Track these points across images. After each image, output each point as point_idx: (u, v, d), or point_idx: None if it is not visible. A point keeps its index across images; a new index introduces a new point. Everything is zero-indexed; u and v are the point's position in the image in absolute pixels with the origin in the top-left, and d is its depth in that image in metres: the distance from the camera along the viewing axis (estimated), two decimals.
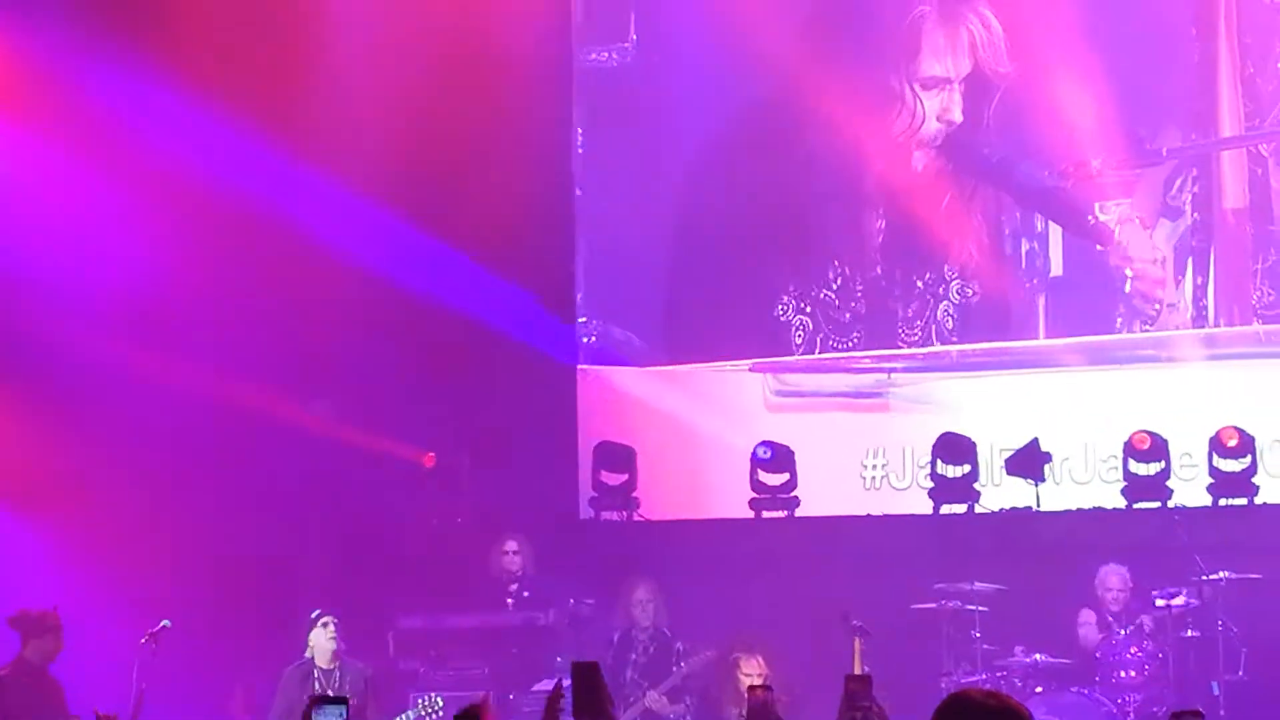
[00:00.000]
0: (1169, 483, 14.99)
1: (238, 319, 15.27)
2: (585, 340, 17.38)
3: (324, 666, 13.64)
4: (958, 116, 16.56)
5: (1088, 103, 15.55)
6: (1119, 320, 16.05)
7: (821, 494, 16.01)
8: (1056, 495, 15.50)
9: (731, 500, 16.22)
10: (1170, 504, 14.91)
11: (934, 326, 16.58)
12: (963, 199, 16.55)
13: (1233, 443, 14.84)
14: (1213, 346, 15.69)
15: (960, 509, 15.47)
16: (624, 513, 16.40)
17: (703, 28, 17.18)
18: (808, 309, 16.91)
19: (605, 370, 17.34)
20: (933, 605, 14.28)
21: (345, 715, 7.73)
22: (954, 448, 15.52)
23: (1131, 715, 13.65)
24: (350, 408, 16.02)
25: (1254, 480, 14.90)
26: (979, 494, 15.47)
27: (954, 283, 16.56)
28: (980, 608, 14.17)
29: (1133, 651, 13.94)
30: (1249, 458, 14.87)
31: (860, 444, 16.52)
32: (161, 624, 12.61)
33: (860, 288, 16.80)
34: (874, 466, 16.51)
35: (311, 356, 15.82)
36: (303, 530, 15.33)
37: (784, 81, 16.54)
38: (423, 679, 14.55)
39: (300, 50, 15.54)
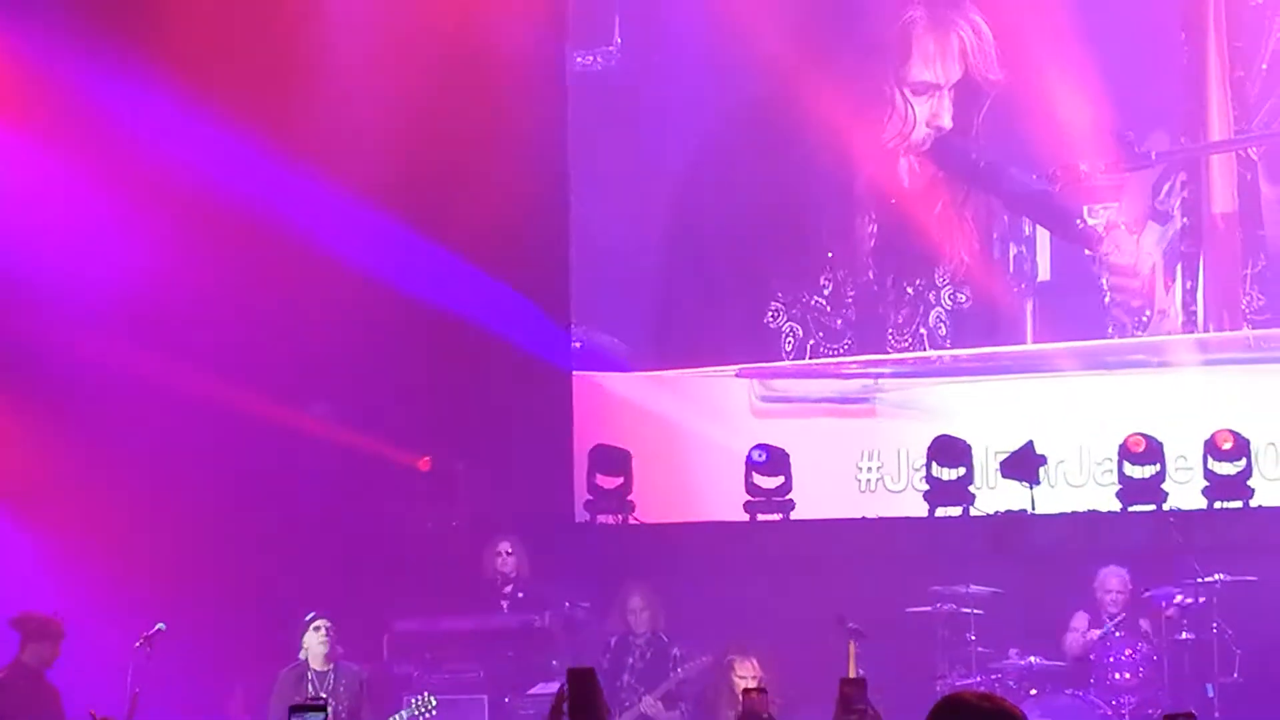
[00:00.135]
0: (1164, 486, 14.99)
1: (235, 322, 15.26)
2: (573, 345, 17.37)
3: (318, 669, 13.63)
4: (947, 122, 16.56)
5: (1077, 106, 15.55)
6: (1108, 325, 16.05)
7: (816, 497, 16.01)
8: (1051, 498, 15.50)
9: (722, 505, 16.22)
10: (1165, 507, 14.91)
11: (925, 333, 16.57)
12: (953, 204, 16.55)
13: (1228, 445, 14.85)
14: (1203, 352, 15.69)
15: (955, 512, 15.47)
16: (619, 516, 16.40)
17: (689, 31, 17.17)
18: (798, 315, 16.90)
19: (597, 374, 17.32)
20: (928, 608, 14.28)
21: (326, 718, 7.72)
22: (949, 450, 15.52)
23: (1126, 717, 13.66)
24: (347, 411, 16.02)
25: (1249, 483, 14.91)
26: (974, 497, 15.48)
27: (945, 289, 16.55)
28: (975, 610, 14.18)
29: (1127, 654, 13.94)
30: (1244, 460, 14.88)
31: (846, 450, 16.51)
32: (156, 627, 12.60)
33: (851, 294, 16.80)
34: (869, 469, 16.51)
35: (308, 359, 15.81)
36: (298, 533, 15.31)
37: (774, 85, 16.54)
38: (417, 682, 14.54)
39: (298, 54, 15.53)
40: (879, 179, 16.71)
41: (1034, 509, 15.27)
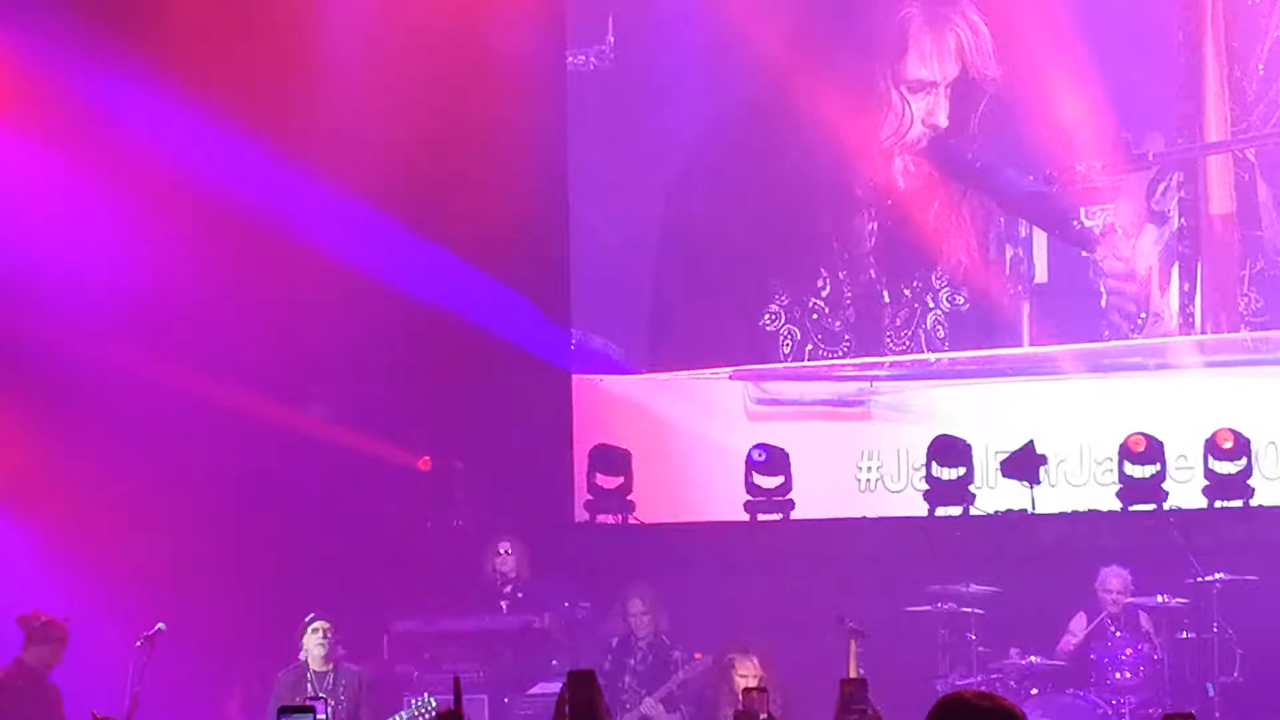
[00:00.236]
0: (1164, 485, 14.98)
1: (236, 323, 15.25)
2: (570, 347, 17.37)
3: (317, 670, 13.64)
4: (943, 121, 16.55)
5: (1074, 107, 15.53)
6: (1104, 327, 16.02)
7: (816, 497, 16.00)
8: (1052, 498, 15.50)
9: (721, 506, 16.21)
10: (1166, 506, 14.91)
11: (923, 334, 16.56)
12: (950, 205, 16.52)
13: (1228, 445, 14.84)
14: (1201, 354, 15.67)
15: (956, 511, 15.47)
16: (619, 516, 16.39)
17: (683, 29, 17.15)
18: (797, 317, 16.88)
19: (595, 377, 17.30)
20: (928, 607, 14.28)
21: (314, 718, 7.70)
22: (949, 450, 15.52)
23: (1127, 717, 13.66)
24: (346, 411, 16.02)
25: (1249, 482, 14.90)
26: (974, 496, 15.47)
27: (943, 290, 16.53)
28: (976, 610, 14.18)
29: (1128, 653, 13.94)
30: (1244, 460, 14.87)
31: (844, 451, 16.49)
32: (156, 627, 12.60)
33: (849, 296, 16.78)
34: (869, 469, 16.50)
35: (308, 360, 15.82)
36: (298, 533, 15.31)
37: (769, 83, 16.53)
38: (417, 682, 14.53)
39: (297, 56, 15.52)
40: (876, 179, 16.70)
41: (1034, 508, 15.26)
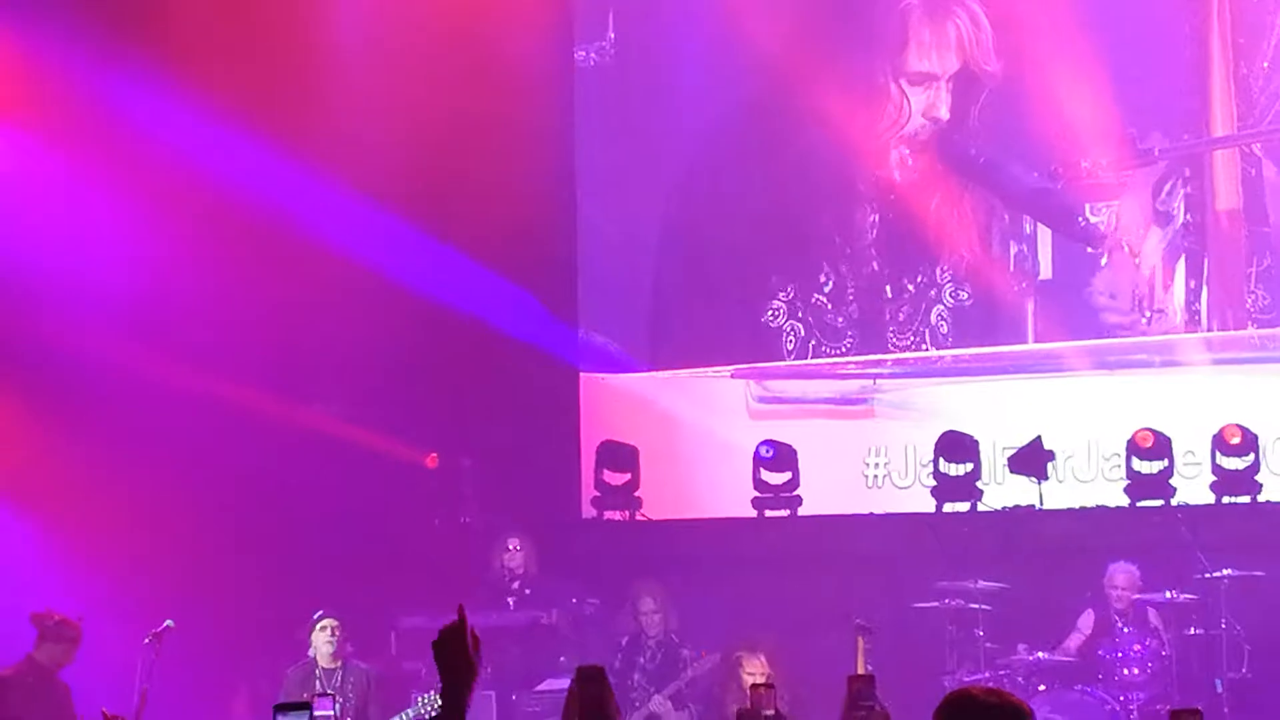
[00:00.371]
0: (1172, 481, 14.97)
1: (243, 320, 15.27)
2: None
3: (326, 667, 13.67)
4: (944, 114, 16.52)
5: (1078, 102, 15.48)
6: (1109, 324, 15.99)
7: (823, 493, 15.99)
8: (1059, 493, 15.49)
9: (726, 504, 16.21)
10: (1173, 502, 14.90)
11: (927, 331, 16.55)
12: (952, 199, 16.50)
13: (1235, 440, 14.83)
14: (1208, 351, 15.64)
15: (963, 507, 15.46)
16: (627, 512, 16.40)
17: (683, 25, 17.15)
18: (800, 313, 16.87)
19: (600, 375, 17.30)
20: (935, 604, 14.28)
21: (309, 716, 7.71)
22: (957, 446, 15.51)
23: (1135, 713, 13.65)
24: (354, 409, 16.03)
25: (1257, 478, 14.89)
26: (982, 492, 15.46)
27: (947, 286, 16.51)
28: (983, 606, 14.17)
29: (1136, 649, 13.94)
30: (1252, 455, 14.85)
31: (850, 448, 16.48)
32: (165, 624, 12.61)
33: (852, 291, 16.77)
34: (876, 465, 16.49)
35: (316, 357, 15.83)
36: (306, 530, 15.32)
37: (770, 78, 16.50)
38: (425, 679, 14.54)
39: (304, 53, 15.53)
40: (877, 173, 16.69)
41: (1042, 504, 15.26)
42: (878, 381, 16.57)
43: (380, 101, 15.72)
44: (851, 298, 16.78)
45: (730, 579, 15.30)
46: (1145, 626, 14.11)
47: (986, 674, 13.88)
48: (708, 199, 17.17)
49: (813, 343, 16.85)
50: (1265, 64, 15.62)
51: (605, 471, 16.45)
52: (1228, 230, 15.69)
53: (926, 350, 16.53)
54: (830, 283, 16.83)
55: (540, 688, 14.51)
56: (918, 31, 16.57)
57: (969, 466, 15.47)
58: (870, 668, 12.42)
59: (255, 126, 14.92)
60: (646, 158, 17.30)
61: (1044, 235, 16.32)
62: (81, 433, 14.70)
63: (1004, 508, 15.38)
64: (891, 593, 14.43)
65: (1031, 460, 15.25)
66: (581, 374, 17.28)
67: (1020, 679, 13.87)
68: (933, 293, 16.53)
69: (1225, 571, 13.84)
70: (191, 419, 15.02)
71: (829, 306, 16.83)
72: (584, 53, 17.44)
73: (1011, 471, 15.43)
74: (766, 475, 16.00)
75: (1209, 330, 15.69)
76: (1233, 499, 14.90)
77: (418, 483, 16.22)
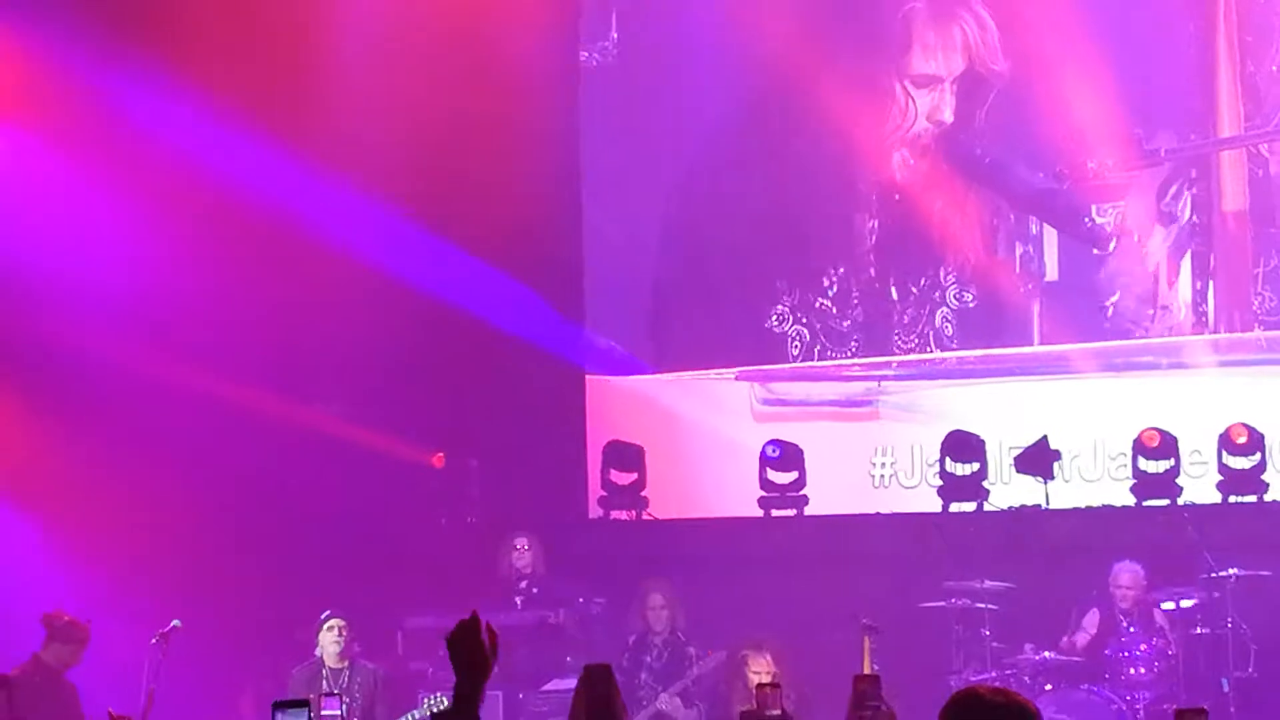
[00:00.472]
0: (1179, 480, 14.97)
1: (250, 320, 15.27)
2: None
3: (333, 667, 13.68)
4: (949, 117, 16.51)
5: (1084, 103, 15.47)
6: (1115, 326, 15.97)
7: (830, 493, 15.99)
8: (1066, 493, 15.48)
9: (732, 503, 16.21)
10: (1180, 501, 14.89)
11: (932, 333, 16.54)
12: (957, 201, 16.48)
13: (1242, 440, 14.83)
14: (1215, 353, 15.63)
15: (970, 507, 15.46)
16: (633, 511, 16.41)
17: (686, 25, 17.14)
18: (804, 317, 16.86)
19: (605, 377, 17.30)
20: (942, 603, 14.28)
21: (308, 717, 7.71)
22: (963, 446, 15.51)
23: (1141, 712, 13.65)
24: (361, 408, 16.03)
25: (1263, 478, 14.88)
26: (988, 492, 15.46)
27: (951, 288, 16.50)
28: (989, 606, 14.17)
29: (1142, 649, 13.93)
30: (1258, 455, 14.85)
31: (855, 449, 16.47)
32: (172, 624, 12.62)
33: (857, 294, 16.76)
34: (882, 465, 16.49)
35: (322, 357, 15.83)
36: (313, 530, 15.33)
37: (775, 77, 16.49)
38: (432, 679, 14.55)
39: (310, 53, 15.53)
40: (881, 175, 16.68)
41: (1048, 504, 15.25)
42: (882, 384, 16.57)
43: (384, 101, 15.71)
44: (856, 301, 16.77)
45: (736, 578, 15.29)
46: (1151, 626, 14.11)
47: (993, 673, 13.88)
48: (711, 200, 17.16)
49: (818, 347, 16.83)
50: (1274, 67, 15.61)
51: (612, 471, 16.46)
52: (1234, 231, 15.68)
53: (931, 353, 16.52)
54: (835, 286, 16.82)
55: (547, 687, 14.51)
56: (922, 34, 16.57)
57: (975, 466, 15.47)
58: (876, 667, 12.43)
59: (259, 126, 14.92)
60: (650, 158, 17.29)
61: (1050, 236, 16.31)
62: (86, 433, 14.71)
63: (1010, 507, 15.38)
64: (898, 592, 14.42)
65: (1038, 460, 15.25)
66: (587, 376, 17.27)
67: (1027, 678, 13.87)
68: (937, 295, 16.53)
69: (1232, 571, 13.83)
70: (198, 419, 15.02)
71: (834, 310, 16.82)
72: (588, 53, 17.44)
73: (1018, 471, 15.44)
74: (773, 475, 16.00)
75: (1215, 331, 15.67)
76: (1239, 498, 14.89)
77: (424, 483, 16.23)
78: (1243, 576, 13.84)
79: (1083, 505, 15.44)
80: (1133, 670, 13.89)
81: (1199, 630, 13.95)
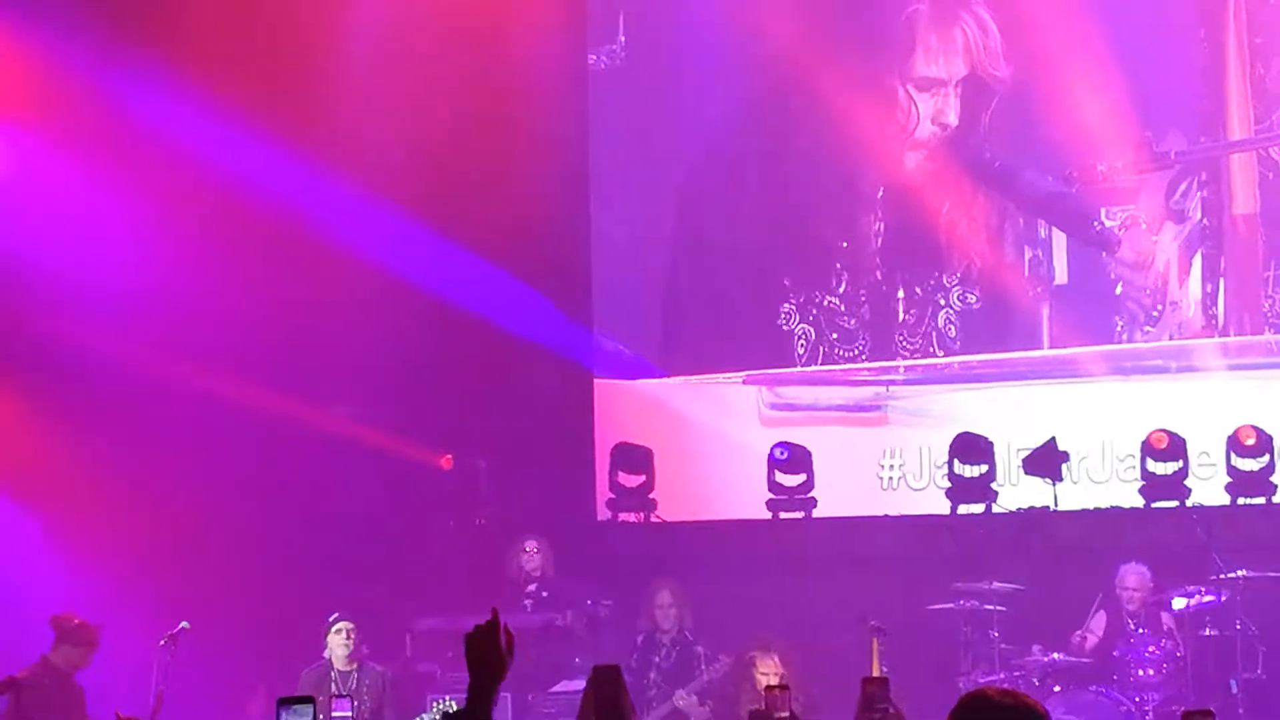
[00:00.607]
0: (1187, 482, 14.96)
1: (259, 322, 15.28)
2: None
3: (341, 669, 13.69)
4: (953, 120, 16.50)
5: (1093, 106, 15.46)
6: (1125, 329, 15.96)
7: (838, 495, 15.98)
8: (1074, 495, 15.48)
9: (740, 506, 16.20)
10: (1188, 503, 14.89)
11: (935, 334, 16.53)
12: (964, 204, 16.47)
13: (1250, 441, 14.82)
14: (1224, 356, 15.62)
15: (978, 509, 15.45)
16: (641, 514, 16.41)
17: (691, 30, 17.14)
18: (812, 316, 16.85)
19: (614, 381, 17.30)
20: (950, 605, 14.28)
21: (313, 714, 7.73)
22: (971, 448, 15.51)
23: (1150, 714, 13.65)
24: (369, 411, 16.04)
25: (1272, 479, 14.87)
26: (996, 494, 15.46)
27: (954, 289, 16.49)
28: (998, 607, 14.17)
29: (1151, 650, 13.93)
30: (1267, 456, 14.84)
31: (862, 453, 16.47)
32: (180, 625, 12.63)
33: (864, 293, 16.75)
34: (890, 467, 16.49)
35: (332, 359, 15.84)
36: (321, 532, 15.34)
37: (780, 80, 16.49)
38: (441, 681, 14.57)
39: (319, 55, 15.54)
40: (886, 177, 16.67)
41: (1056, 505, 15.25)
42: (891, 389, 16.56)
43: (391, 103, 15.73)
44: (863, 298, 16.77)
45: (745, 581, 15.29)
46: (1159, 628, 14.10)
47: (1001, 675, 13.88)
48: (718, 202, 17.17)
49: (824, 348, 16.83)
50: None
51: (620, 474, 16.46)
52: (1244, 234, 15.66)
53: (936, 354, 16.51)
54: (842, 284, 16.81)
55: (555, 689, 14.52)
56: (925, 37, 16.57)
57: (984, 468, 15.46)
58: (885, 669, 12.44)
59: (270, 128, 14.94)
60: (657, 161, 17.29)
61: (1059, 240, 16.29)
62: (92, 433, 14.72)
63: (1019, 509, 15.38)
64: (906, 594, 14.42)
65: (1046, 462, 15.25)
66: (595, 380, 17.27)
67: (1035, 680, 13.86)
68: (940, 296, 16.51)
69: (1240, 572, 13.83)
70: (205, 420, 15.04)
71: (841, 308, 16.82)
72: (595, 56, 17.45)
73: (1026, 473, 15.43)
74: (781, 477, 16.00)
75: (1225, 334, 15.66)
76: (1248, 500, 14.88)
77: (433, 485, 16.23)
78: (1251, 578, 13.83)
79: (1091, 507, 15.43)
80: (1141, 672, 13.88)
81: (1207, 632, 13.94)
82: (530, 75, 16.23)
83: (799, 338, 16.90)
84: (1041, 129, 15.97)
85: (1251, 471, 14.87)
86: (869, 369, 16.68)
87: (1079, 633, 14.19)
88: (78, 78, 14.81)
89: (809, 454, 15.95)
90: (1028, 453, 15.44)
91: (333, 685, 13.54)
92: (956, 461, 15.52)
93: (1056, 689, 13.87)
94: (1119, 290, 16.02)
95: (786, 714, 10.37)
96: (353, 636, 13.73)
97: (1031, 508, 15.32)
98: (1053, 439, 15.25)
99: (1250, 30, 15.63)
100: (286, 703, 7.86)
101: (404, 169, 15.66)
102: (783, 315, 16.93)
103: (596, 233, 17.29)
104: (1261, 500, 14.88)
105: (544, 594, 15.38)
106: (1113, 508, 15.36)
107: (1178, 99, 15.86)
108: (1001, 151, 16.44)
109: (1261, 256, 15.63)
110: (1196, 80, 15.80)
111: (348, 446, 15.63)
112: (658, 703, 14.50)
